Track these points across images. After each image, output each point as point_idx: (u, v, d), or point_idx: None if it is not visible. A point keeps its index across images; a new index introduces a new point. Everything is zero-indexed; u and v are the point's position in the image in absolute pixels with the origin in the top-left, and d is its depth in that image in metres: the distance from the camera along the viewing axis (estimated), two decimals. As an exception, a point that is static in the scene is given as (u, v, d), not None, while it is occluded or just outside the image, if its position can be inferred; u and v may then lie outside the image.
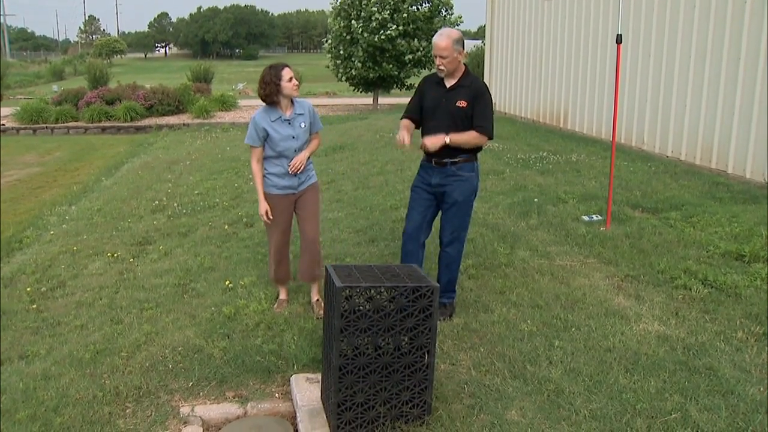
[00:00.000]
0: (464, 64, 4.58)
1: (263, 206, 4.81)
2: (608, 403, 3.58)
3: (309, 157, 4.87)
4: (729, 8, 8.93)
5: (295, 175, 4.81)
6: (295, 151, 4.75)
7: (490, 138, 4.54)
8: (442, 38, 4.42)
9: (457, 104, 4.48)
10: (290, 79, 4.65)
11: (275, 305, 5.03)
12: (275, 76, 4.62)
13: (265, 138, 4.72)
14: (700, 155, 9.58)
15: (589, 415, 3.48)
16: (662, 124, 10.47)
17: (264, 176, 4.84)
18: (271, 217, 4.83)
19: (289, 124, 4.73)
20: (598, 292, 5.08)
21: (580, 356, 4.09)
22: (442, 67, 4.48)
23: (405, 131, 4.64)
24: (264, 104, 4.76)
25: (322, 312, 4.87)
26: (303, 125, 4.77)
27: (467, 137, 4.49)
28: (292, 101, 4.77)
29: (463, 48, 4.47)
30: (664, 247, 5.96)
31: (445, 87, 4.57)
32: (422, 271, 3.59)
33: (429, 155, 4.66)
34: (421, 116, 4.71)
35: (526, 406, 3.59)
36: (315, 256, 4.98)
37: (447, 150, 4.54)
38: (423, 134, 4.67)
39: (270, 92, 4.64)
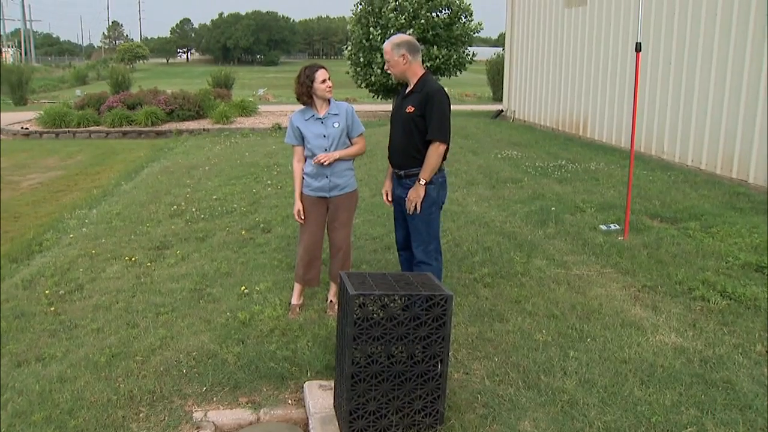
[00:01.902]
0: (425, 69, 4.56)
1: (297, 205, 4.91)
2: (623, 416, 3.54)
3: (345, 159, 4.86)
4: (751, 16, 8.84)
5: (327, 177, 4.83)
6: (326, 150, 4.78)
7: (445, 143, 4.45)
8: (385, 44, 4.53)
9: (407, 110, 4.48)
10: (323, 81, 4.72)
11: (290, 311, 5.04)
12: (309, 77, 4.72)
13: (301, 137, 4.82)
14: (721, 165, 9.48)
15: (603, 428, 3.45)
16: (682, 132, 10.39)
17: (302, 177, 4.94)
18: (303, 218, 4.88)
19: (322, 122, 4.79)
20: (614, 303, 5.03)
21: (595, 367, 4.05)
22: (389, 72, 4.57)
23: (388, 181, 4.87)
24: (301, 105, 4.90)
25: (332, 313, 4.94)
26: (336, 125, 4.80)
27: (430, 162, 4.43)
28: (328, 102, 4.83)
29: (408, 51, 4.45)
30: (682, 258, 5.90)
31: (403, 94, 4.60)
32: (436, 280, 3.58)
33: (391, 165, 4.74)
34: None
35: (540, 417, 3.56)
36: (342, 260, 5.04)
37: (402, 161, 4.58)
38: (388, 144, 4.75)
39: (302, 92, 4.76)
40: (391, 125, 4.69)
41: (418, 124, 4.43)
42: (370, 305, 3.29)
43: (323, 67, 4.76)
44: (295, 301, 5.12)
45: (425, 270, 4.49)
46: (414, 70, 4.50)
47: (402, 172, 4.59)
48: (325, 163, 4.75)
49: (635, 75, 6.49)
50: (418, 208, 4.49)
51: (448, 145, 4.49)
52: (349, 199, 4.99)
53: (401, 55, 4.44)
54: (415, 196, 4.47)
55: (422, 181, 4.45)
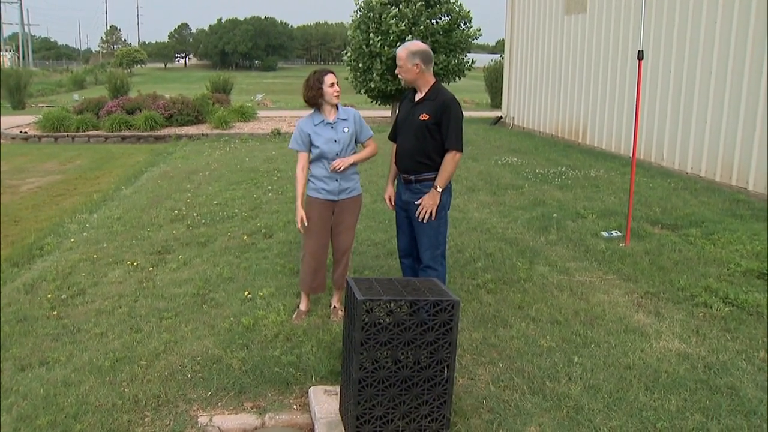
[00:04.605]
0: (435, 77, 4.59)
1: (299, 212, 4.87)
2: (628, 421, 3.56)
3: (355, 164, 4.90)
4: (751, 23, 8.89)
5: (337, 180, 4.84)
6: (337, 154, 4.82)
7: (462, 151, 4.51)
8: (401, 49, 4.54)
9: (420, 117, 4.50)
10: (332, 85, 4.76)
11: (294, 316, 5.04)
12: (318, 81, 4.75)
13: (309, 143, 4.84)
14: (720, 172, 9.52)
15: (609, 433, 3.46)
16: (682, 140, 10.43)
17: (308, 180, 4.93)
18: (305, 224, 4.88)
19: (332, 127, 4.82)
20: (617, 309, 5.05)
21: (599, 373, 4.06)
22: (399, 75, 4.58)
23: (390, 186, 4.91)
24: (308, 113, 4.92)
25: (336, 319, 4.95)
26: (346, 130, 4.84)
27: (447, 170, 4.47)
28: (337, 107, 4.86)
29: (423, 61, 4.47)
30: (684, 265, 5.92)
31: (414, 101, 4.62)
32: (443, 286, 3.59)
33: (400, 170, 4.74)
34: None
35: (545, 423, 3.57)
36: (345, 265, 5.06)
37: (413, 167, 4.58)
38: (396, 149, 4.74)
39: (312, 96, 4.78)
40: (400, 131, 4.70)
41: (432, 131, 4.46)
42: (378, 310, 3.30)
43: (331, 72, 4.81)
44: (303, 306, 5.12)
45: (431, 275, 4.49)
46: (426, 79, 4.53)
47: (412, 177, 4.59)
48: (341, 169, 4.78)
49: (637, 83, 6.51)
50: (433, 215, 4.50)
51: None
52: (356, 202, 5.02)
53: (415, 64, 4.46)
54: (432, 203, 4.47)
55: (438, 189, 4.47)
